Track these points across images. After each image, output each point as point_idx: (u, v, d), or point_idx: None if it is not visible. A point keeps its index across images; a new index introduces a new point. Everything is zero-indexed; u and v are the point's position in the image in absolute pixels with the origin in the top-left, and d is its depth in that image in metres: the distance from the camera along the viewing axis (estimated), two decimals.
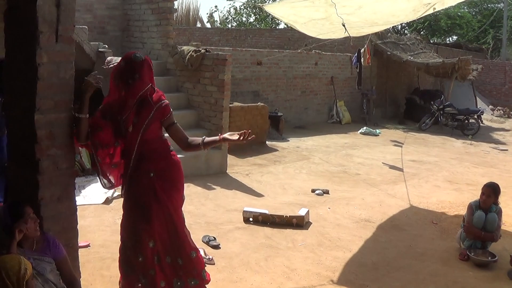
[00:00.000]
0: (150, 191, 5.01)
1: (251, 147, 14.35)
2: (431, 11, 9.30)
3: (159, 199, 5.02)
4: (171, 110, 5.14)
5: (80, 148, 9.55)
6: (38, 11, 4.34)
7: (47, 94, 4.48)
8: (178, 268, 5.15)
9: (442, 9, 9.80)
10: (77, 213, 5.06)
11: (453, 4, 10.21)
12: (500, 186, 7.83)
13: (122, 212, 7.38)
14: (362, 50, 18.97)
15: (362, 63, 19.14)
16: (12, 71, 4.68)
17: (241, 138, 4.93)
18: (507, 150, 17.80)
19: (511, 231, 8.80)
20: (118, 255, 5.27)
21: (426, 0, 8.77)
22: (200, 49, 12.26)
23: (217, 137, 5.13)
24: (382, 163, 14.18)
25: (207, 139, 5.15)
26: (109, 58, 10.79)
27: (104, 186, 5.20)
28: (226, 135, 5.06)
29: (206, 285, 5.41)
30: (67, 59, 4.61)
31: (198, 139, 5.17)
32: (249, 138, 4.93)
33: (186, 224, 5.36)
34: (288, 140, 16.70)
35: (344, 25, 9.56)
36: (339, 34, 10.56)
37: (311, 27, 10.97)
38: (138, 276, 5.09)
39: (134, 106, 4.92)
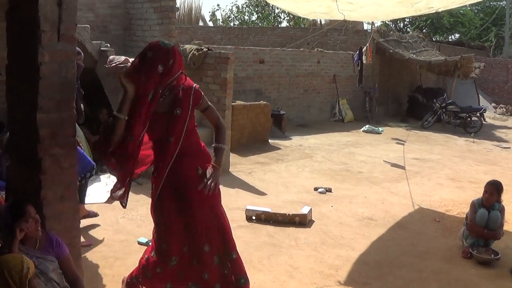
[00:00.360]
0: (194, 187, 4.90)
1: (254, 145, 14.36)
2: (433, 10, 9.30)
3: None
4: (202, 93, 5.07)
5: (82, 147, 9.60)
6: (39, 10, 4.33)
7: (49, 93, 4.47)
8: (226, 267, 5.20)
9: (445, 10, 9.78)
10: None
11: (455, 7, 10.22)
12: (502, 183, 7.83)
13: (124, 212, 7.36)
14: (364, 49, 18.96)
15: (364, 61, 19.11)
16: (14, 71, 4.68)
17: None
18: (509, 148, 17.78)
19: None
20: (144, 255, 5.26)
21: (429, 3, 8.77)
22: (202, 47, 12.27)
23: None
24: (384, 161, 14.18)
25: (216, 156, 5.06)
26: (111, 57, 10.78)
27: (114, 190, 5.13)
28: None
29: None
30: (69, 58, 4.61)
31: (215, 146, 5.10)
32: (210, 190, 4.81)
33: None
34: (291, 139, 16.71)
35: (344, 21, 9.58)
36: (334, 15, 10.51)
37: (312, 17, 10.98)
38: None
39: (166, 95, 4.85)
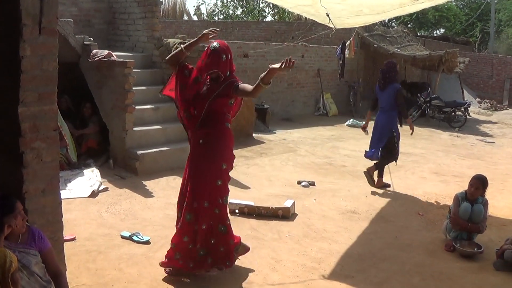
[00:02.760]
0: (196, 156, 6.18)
1: (237, 139, 14.35)
2: (420, 8, 9.31)
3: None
4: (235, 83, 6.09)
5: (67, 141, 9.59)
6: (21, 4, 4.32)
7: (31, 87, 4.46)
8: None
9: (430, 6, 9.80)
10: (63, 206, 5.06)
11: (441, 3, 10.22)
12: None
13: (107, 206, 7.50)
14: (347, 43, 18.96)
15: (347, 55, 19.11)
16: None
17: (284, 65, 5.53)
18: (493, 142, 17.86)
19: (497, 223, 8.85)
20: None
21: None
22: (186, 41, 12.24)
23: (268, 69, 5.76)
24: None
25: (262, 75, 5.79)
26: (94, 51, 10.78)
27: None
28: (273, 66, 5.71)
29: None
30: (50, 52, 4.59)
31: (258, 81, 5.87)
32: (291, 64, 5.52)
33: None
34: (275, 133, 16.72)
35: (328, 15, 9.55)
36: (325, 20, 10.51)
37: (296, 10, 10.97)
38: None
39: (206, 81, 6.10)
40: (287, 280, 6.35)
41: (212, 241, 6.12)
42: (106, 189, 9.39)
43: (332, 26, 10.77)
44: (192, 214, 6.06)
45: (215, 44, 6.03)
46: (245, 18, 39.65)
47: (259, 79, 5.79)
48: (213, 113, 6.05)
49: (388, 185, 10.77)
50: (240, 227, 7.94)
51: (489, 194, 8.14)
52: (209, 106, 6.00)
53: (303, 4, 9.87)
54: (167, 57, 6.33)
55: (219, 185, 6.19)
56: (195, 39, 6.30)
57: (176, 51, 6.18)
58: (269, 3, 37.37)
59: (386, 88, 10.55)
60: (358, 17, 10.49)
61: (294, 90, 20.80)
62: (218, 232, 6.15)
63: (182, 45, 6.21)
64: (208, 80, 6.06)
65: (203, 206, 6.06)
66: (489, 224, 8.02)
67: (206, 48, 6.07)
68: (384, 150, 10.64)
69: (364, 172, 10.76)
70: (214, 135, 6.09)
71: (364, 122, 11.31)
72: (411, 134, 10.93)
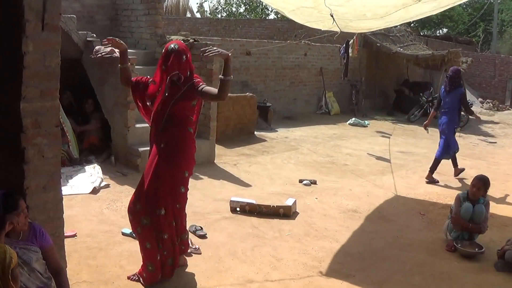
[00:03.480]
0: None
1: (239, 137, 14.36)
2: (423, 10, 9.30)
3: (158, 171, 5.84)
4: (198, 85, 5.93)
5: (69, 137, 9.60)
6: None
7: (33, 83, 4.45)
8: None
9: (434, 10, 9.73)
10: (64, 202, 5.05)
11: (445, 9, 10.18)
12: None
13: (108, 203, 7.50)
14: (351, 42, 18.95)
15: (350, 54, 19.12)
16: None
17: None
18: (495, 142, 17.86)
19: (499, 223, 8.84)
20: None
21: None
22: (189, 38, 12.24)
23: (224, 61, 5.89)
24: (368, 153, 14.22)
25: (223, 72, 5.85)
26: (97, 47, 10.75)
27: None
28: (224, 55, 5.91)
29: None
30: (53, 48, 4.58)
31: (220, 79, 5.85)
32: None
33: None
34: (277, 131, 16.72)
35: (332, 16, 9.53)
36: (328, 24, 10.51)
37: (299, 14, 10.93)
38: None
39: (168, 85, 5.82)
40: (287, 278, 6.34)
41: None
42: (107, 186, 9.39)
43: (336, 29, 10.76)
44: (149, 219, 5.80)
45: (172, 45, 5.90)
46: (248, 16, 39.73)
47: (220, 79, 5.83)
48: (175, 116, 5.86)
49: (437, 181, 11.63)
50: (241, 225, 7.95)
51: (490, 194, 8.14)
52: (171, 109, 5.81)
53: (306, 6, 9.85)
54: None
55: (182, 192, 5.99)
56: (120, 52, 6.28)
57: (120, 71, 6.23)
58: None
59: (452, 92, 11.51)
60: (362, 21, 10.48)
61: (297, 89, 20.81)
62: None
63: (119, 64, 6.25)
64: (169, 83, 5.82)
65: (160, 214, 5.80)
66: (490, 225, 8.04)
67: (163, 51, 5.95)
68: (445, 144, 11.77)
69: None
70: (176, 140, 5.90)
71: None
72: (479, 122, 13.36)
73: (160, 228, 5.80)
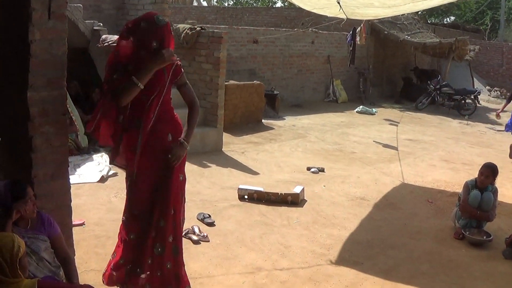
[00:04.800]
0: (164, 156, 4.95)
1: (247, 125, 14.35)
2: (432, 5, 9.27)
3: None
4: (182, 71, 5.01)
5: (77, 126, 9.60)
6: None
7: (40, 71, 4.45)
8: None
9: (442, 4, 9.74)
10: (72, 191, 5.06)
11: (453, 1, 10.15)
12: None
13: (116, 191, 7.36)
14: (358, 29, 18.90)
15: (358, 41, 19.08)
16: (5, 50, 4.65)
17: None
18: (503, 130, 17.78)
19: (507, 211, 8.82)
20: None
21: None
22: (196, 27, 12.22)
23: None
24: (374, 141, 14.20)
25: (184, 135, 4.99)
26: (104, 36, 10.74)
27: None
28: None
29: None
30: (59, 36, 4.58)
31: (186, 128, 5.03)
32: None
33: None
34: (284, 119, 16.70)
35: (339, 2, 9.49)
36: (334, 11, 10.47)
37: (306, 0, 10.91)
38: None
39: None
40: (296, 266, 6.34)
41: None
42: (115, 174, 9.38)
43: (342, 16, 10.72)
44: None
45: (159, 16, 4.96)
46: (255, 4, 39.72)
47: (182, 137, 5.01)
48: (167, 104, 4.97)
49: None
50: (249, 213, 7.95)
51: (498, 182, 8.10)
52: (166, 95, 4.91)
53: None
54: (120, 98, 4.59)
55: (182, 200, 5.50)
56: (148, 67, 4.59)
57: (130, 88, 4.55)
58: None
59: None
60: (369, 8, 10.45)
61: (304, 76, 20.77)
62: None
63: (134, 79, 4.53)
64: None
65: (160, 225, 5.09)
66: (498, 213, 8.02)
67: (148, 25, 4.94)
68: None
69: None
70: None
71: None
72: None
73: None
